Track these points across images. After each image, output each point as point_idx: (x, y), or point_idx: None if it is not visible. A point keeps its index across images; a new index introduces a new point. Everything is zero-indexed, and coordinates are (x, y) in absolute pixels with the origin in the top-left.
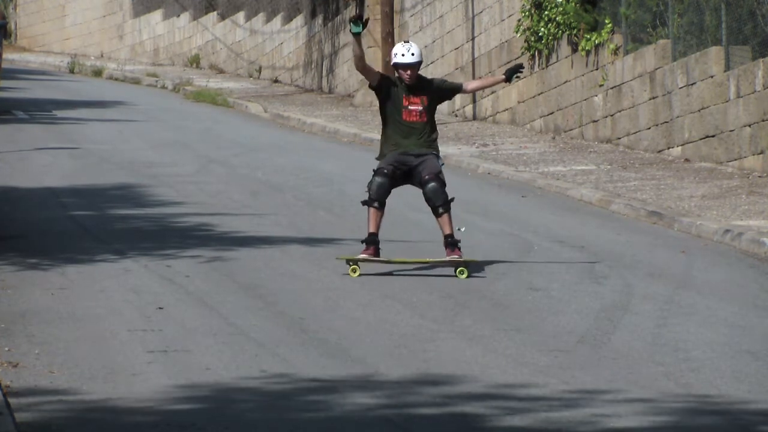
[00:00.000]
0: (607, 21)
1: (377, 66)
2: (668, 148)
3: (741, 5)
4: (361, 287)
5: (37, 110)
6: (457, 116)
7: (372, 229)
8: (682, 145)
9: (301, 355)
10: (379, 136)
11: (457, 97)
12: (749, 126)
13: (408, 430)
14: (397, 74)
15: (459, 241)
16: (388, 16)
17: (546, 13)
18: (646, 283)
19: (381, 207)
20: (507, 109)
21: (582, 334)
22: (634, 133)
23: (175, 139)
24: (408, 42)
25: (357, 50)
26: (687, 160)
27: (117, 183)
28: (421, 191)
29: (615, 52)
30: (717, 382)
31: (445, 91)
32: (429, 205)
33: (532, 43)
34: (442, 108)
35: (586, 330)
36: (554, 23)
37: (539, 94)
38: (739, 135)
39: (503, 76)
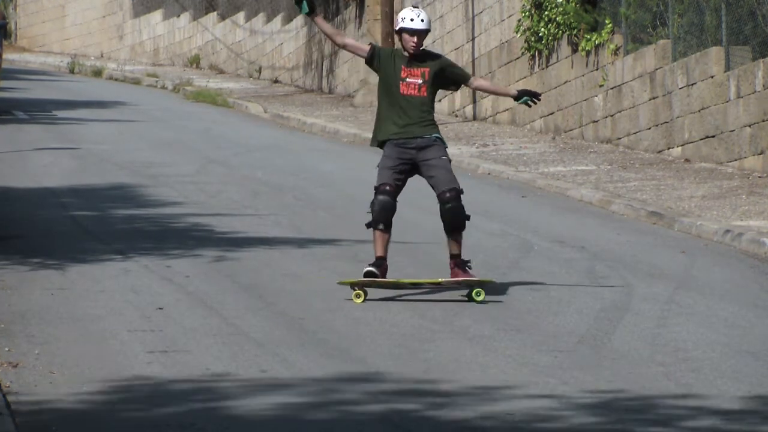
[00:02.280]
0: (607, 21)
1: None
2: (668, 149)
3: (741, 5)
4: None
5: (37, 110)
6: (457, 116)
7: (379, 253)
8: (682, 145)
9: (301, 355)
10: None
11: (458, 97)
12: (749, 126)
13: (408, 430)
14: (400, 43)
15: (469, 261)
16: (388, 16)
17: (546, 13)
18: (646, 283)
19: (387, 229)
20: (507, 110)
21: (582, 334)
22: (634, 133)
23: (175, 139)
24: (417, 7)
25: (326, 30)
26: (687, 160)
27: (117, 183)
28: (424, 182)
29: (615, 52)
30: (717, 382)
31: (450, 75)
32: (444, 221)
33: (532, 44)
34: (442, 108)
35: (586, 330)
36: (554, 23)
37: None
38: (739, 135)
39: (515, 92)
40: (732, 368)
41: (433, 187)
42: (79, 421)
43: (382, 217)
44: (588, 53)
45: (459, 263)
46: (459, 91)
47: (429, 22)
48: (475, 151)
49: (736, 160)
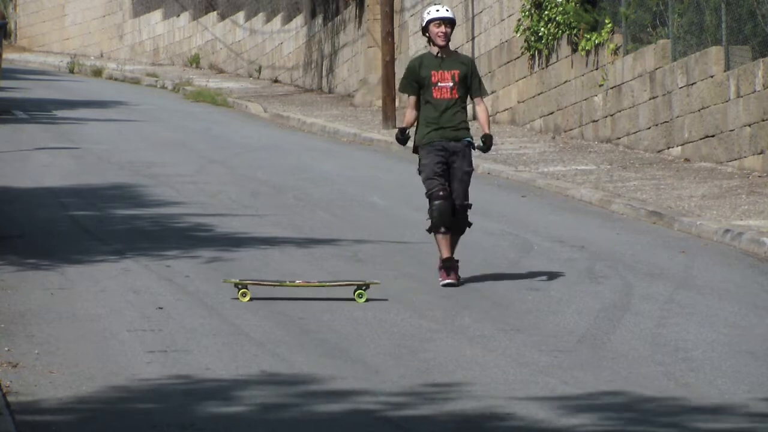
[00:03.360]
0: (607, 21)
1: (377, 65)
2: (668, 148)
3: (741, 5)
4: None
5: (37, 110)
6: None
7: (446, 255)
8: (682, 145)
9: (301, 355)
10: (378, 137)
11: None
12: (749, 126)
13: (408, 430)
14: (427, 41)
15: (457, 261)
16: (388, 16)
17: (546, 13)
18: (646, 283)
19: (448, 231)
20: (507, 109)
21: (582, 334)
22: (634, 133)
23: (175, 139)
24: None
25: (410, 122)
26: (687, 160)
27: (117, 183)
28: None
29: (615, 52)
30: (717, 382)
31: (469, 84)
32: None
33: (532, 43)
34: None
35: (586, 330)
36: (554, 23)
37: (539, 94)
38: (739, 135)
39: (484, 134)
40: (732, 368)
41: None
42: (79, 421)
43: (442, 221)
44: (588, 53)
45: (450, 265)
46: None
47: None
48: (475, 151)
49: (735, 159)
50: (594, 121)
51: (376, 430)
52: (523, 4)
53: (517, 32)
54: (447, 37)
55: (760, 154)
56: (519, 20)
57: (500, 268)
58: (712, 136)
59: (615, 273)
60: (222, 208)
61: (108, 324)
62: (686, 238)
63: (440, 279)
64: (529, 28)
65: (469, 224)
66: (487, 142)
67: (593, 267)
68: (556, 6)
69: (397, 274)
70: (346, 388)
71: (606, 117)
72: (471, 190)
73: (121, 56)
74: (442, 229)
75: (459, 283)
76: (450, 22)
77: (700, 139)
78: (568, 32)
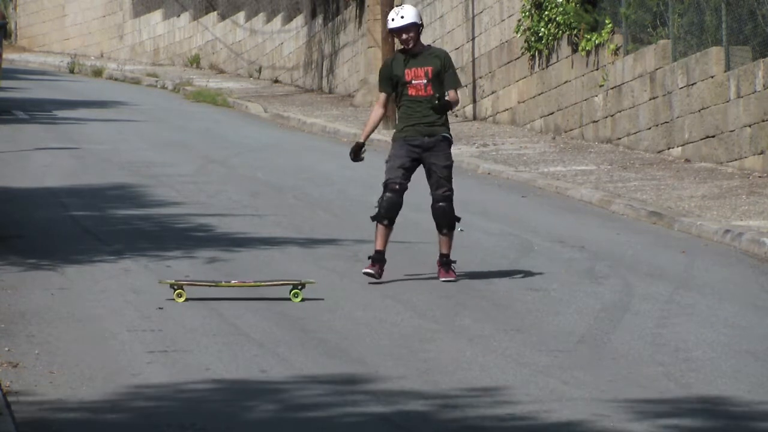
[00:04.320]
0: (607, 21)
1: (378, 65)
2: (668, 149)
3: (741, 5)
4: (362, 287)
5: (37, 110)
6: (457, 116)
7: (379, 247)
8: (682, 145)
9: (301, 355)
10: (378, 137)
11: None
12: (749, 126)
13: (408, 430)
14: (400, 45)
15: (454, 262)
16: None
17: (546, 13)
18: (646, 283)
19: (391, 224)
20: (507, 109)
21: (582, 334)
22: (634, 133)
23: (175, 139)
24: (402, 5)
25: (372, 128)
26: (687, 160)
27: (117, 183)
28: (425, 182)
29: (615, 52)
30: (717, 382)
31: (443, 77)
32: (434, 219)
33: (532, 43)
34: None
35: (586, 330)
36: (554, 23)
37: (539, 94)
38: (739, 135)
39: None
40: (732, 368)
41: (430, 186)
42: (79, 421)
43: (389, 214)
44: (588, 53)
45: (444, 262)
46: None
47: (415, 14)
48: (475, 151)
49: (736, 160)
50: (594, 122)
51: (376, 430)
52: (524, 5)
53: (517, 32)
54: (411, 41)
55: (760, 154)
56: (519, 20)
57: (500, 268)
58: (713, 136)
59: (615, 273)
60: (222, 208)
61: (108, 324)
62: (686, 238)
63: (366, 268)
64: (529, 29)
65: (458, 218)
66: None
67: (593, 267)
68: (557, 6)
69: (396, 274)
70: (346, 388)
71: (606, 117)
72: (471, 190)
73: (122, 56)
74: (385, 222)
75: (378, 276)
76: (405, 30)
77: (701, 139)
78: (568, 32)
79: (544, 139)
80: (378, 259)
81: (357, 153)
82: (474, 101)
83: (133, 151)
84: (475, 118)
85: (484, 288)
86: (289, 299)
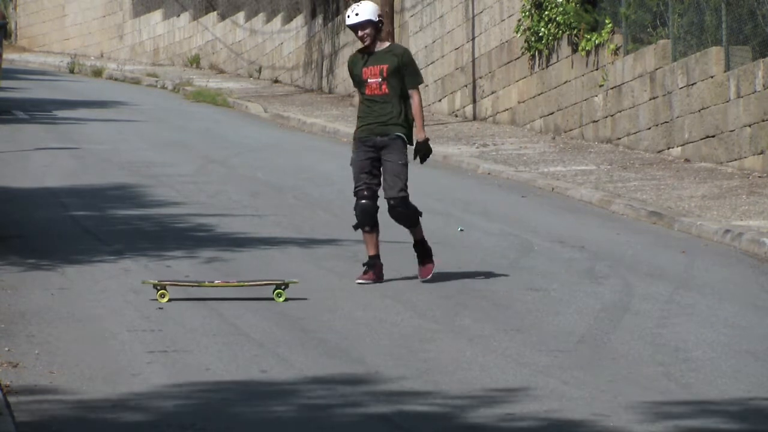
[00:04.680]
0: (607, 21)
1: None
2: (668, 149)
3: (741, 5)
4: (361, 287)
5: (37, 110)
6: (457, 116)
7: (371, 252)
8: (682, 145)
9: (301, 355)
10: None
11: (458, 97)
12: (749, 126)
13: (408, 430)
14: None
15: (430, 250)
16: (388, 16)
17: (546, 13)
18: (646, 283)
19: (373, 229)
20: (507, 109)
21: (582, 334)
22: (634, 133)
23: (175, 139)
24: (360, 1)
25: None
26: (687, 160)
27: (117, 183)
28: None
29: (615, 52)
30: (717, 382)
31: (403, 75)
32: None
33: (532, 43)
34: (442, 108)
35: (586, 330)
36: (554, 23)
37: (539, 94)
38: (739, 135)
39: (419, 138)
40: (732, 368)
41: (383, 186)
42: (79, 421)
43: (366, 221)
44: (588, 53)
45: (420, 251)
46: (459, 91)
47: (370, 11)
48: (475, 151)
49: (736, 160)
50: (594, 122)
51: (376, 430)
52: (524, 5)
53: (517, 32)
54: (367, 38)
55: (760, 154)
56: (519, 20)
57: (500, 268)
58: (713, 136)
59: (615, 273)
60: (222, 208)
61: (108, 324)
62: (686, 238)
63: (361, 276)
64: (529, 29)
65: (420, 213)
66: (421, 151)
67: (593, 267)
68: (557, 6)
69: (396, 274)
70: (346, 388)
71: (606, 117)
72: (471, 189)
73: (122, 56)
74: (366, 228)
75: (376, 280)
76: (361, 27)
77: (701, 139)
78: (568, 32)
79: (544, 139)
80: (372, 265)
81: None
82: (474, 101)
83: (133, 151)
84: (475, 118)
85: (484, 288)
86: (288, 299)
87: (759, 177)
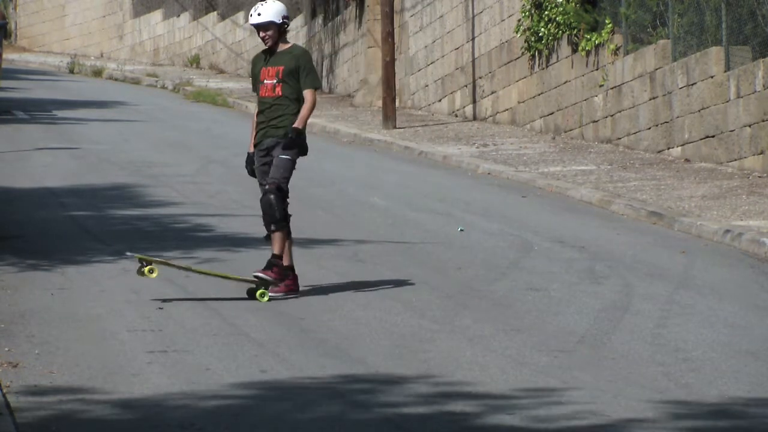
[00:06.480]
0: (607, 21)
1: (378, 65)
2: (668, 149)
3: (741, 5)
4: (362, 288)
5: (37, 110)
6: (457, 116)
7: (284, 261)
8: (682, 145)
9: (301, 355)
10: (378, 137)
11: (458, 97)
12: (749, 126)
13: (407, 430)
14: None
15: (275, 262)
16: (388, 16)
17: (546, 13)
18: (646, 283)
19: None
20: (507, 110)
21: (582, 334)
22: (634, 133)
23: (175, 139)
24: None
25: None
26: (687, 160)
27: (117, 183)
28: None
29: (615, 52)
30: (717, 382)
31: (299, 75)
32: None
33: (532, 43)
34: (442, 107)
35: (586, 330)
36: (554, 23)
37: (539, 94)
38: (739, 135)
39: (295, 128)
40: (732, 368)
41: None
42: (79, 421)
43: (266, 221)
44: (588, 53)
45: (269, 262)
46: (459, 91)
47: (274, 12)
48: (475, 151)
49: (736, 160)
50: (594, 122)
51: (376, 430)
52: (523, 5)
53: (517, 32)
54: (269, 39)
55: (760, 154)
56: (519, 20)
57: (500, 268)
58: (713, 136)
59: (615, 273)
60: (222, 208)
61: (108, 324)
62: (686, 238)
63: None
64: (529, 29)
65: (286, 219)
66: (291, 134)
67: (593, 267)
68: (556, 6)
69: (397, 274)
70: (346, 388)
71: (606, 117)
72: (471, 190)
73: (122, 56)
74: (273, 227)
75: (288, 293)
76: (263, 28)
77: (701, 139)
78: (568, 32)
79: (544, 139)
80: (274, 264)
81: (250, 163)
82: (474, 101)
83: (133, 151)
84: (475, 118)
85: (484, 288)
86: (287, 299)
87: (759, 177)
